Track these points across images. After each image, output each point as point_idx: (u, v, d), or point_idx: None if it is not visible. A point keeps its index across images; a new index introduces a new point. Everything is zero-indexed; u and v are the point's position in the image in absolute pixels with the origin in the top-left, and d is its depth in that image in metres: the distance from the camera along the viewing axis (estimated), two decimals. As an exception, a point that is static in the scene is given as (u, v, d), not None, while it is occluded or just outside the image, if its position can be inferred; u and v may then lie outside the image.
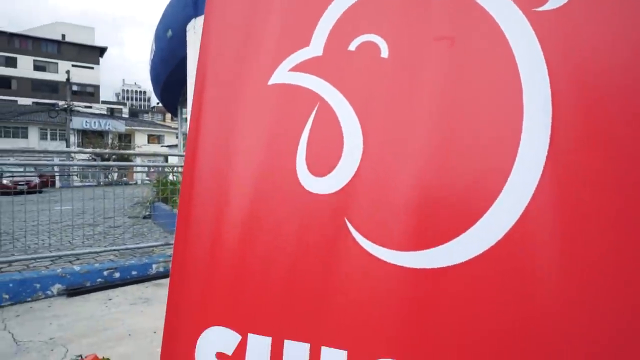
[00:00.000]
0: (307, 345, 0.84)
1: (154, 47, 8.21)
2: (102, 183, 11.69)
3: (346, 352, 0.81)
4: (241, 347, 0.88)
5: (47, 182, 12.11)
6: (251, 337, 0.88)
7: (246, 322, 0.89)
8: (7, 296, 4.73)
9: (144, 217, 10.66)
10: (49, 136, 40.51)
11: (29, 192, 6.88)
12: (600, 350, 0.68)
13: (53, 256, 6.05)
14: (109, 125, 41.24)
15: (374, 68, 0.90)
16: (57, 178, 14.48)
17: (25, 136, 38.87)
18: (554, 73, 0.77)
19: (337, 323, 0.82)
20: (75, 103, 38.32)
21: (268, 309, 0.88)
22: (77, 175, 14.16)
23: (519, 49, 0.79)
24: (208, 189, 0.97)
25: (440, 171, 0.82)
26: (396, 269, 0.80)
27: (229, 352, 0.89)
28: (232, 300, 0.90)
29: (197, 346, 0.91)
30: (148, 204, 11.27)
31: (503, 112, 0.79)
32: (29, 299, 4.88)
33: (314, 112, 0.92)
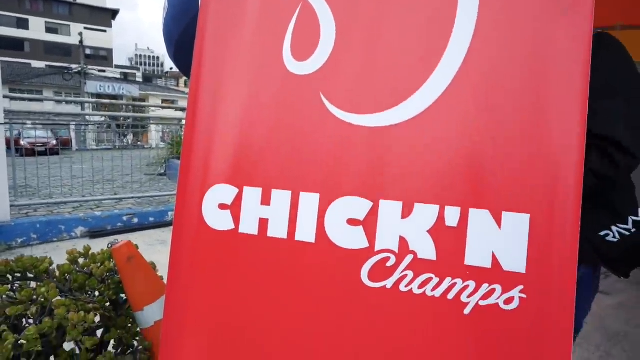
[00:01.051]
0: (289, 192, 1.05)
1: (166, 4, 8.20)
2: (117, 147, 11.95)
3: (318, 194, 1.03)
4: (238, 197, 1.10)
5: (65, 143, 12.38)
6: (246, 189, 1.09)
7: (242, 179, 1.10)
8: (35, 236, 5.08)
9: (160, 175, 10.96)
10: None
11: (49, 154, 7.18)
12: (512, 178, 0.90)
13: (75, 201, 6.39)
14: (123, 89, 41.31)
15: None
16: (73, 140, 14.79)
17: (40, 99, 39.13)
18: None
19: (312, 173, 1.03)
20: (89, 67, 38.38)
21: (259, 168, 1.09)
22: (92, 139, 14.35)
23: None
24: (212, 80, 1.17)
25: (392, 52, 1.02)
26: (359, 129, 1.00)
27: (229, 202, 1.11)
28: (231, 163, 1.12)
29: (203, 200, 1.13)
30: (163, 161, 11.52)
31: (443, 11, 0.98)
32: (55, 240, 5.22)
33: (297, 10, 1.11)
